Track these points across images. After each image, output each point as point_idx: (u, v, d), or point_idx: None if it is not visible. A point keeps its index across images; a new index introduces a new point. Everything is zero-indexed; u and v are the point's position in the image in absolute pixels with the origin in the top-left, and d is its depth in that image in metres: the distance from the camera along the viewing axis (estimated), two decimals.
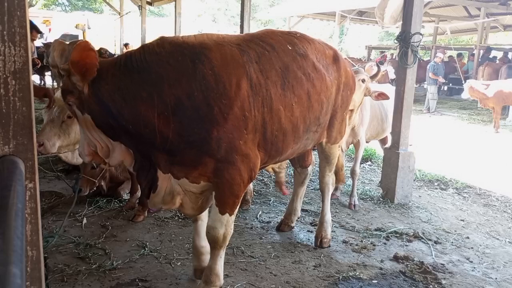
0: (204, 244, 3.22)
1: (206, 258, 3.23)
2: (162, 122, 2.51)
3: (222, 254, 2.91)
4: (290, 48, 2.94)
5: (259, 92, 2.66)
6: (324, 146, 3.65)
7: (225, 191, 2.69)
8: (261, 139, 2.75)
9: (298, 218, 4.37)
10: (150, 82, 2.51)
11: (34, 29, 6.26)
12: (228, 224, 2.78)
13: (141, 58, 2.55)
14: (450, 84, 18.90)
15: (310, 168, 4.18)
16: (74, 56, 2.37)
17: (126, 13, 17.32)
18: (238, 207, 2.83)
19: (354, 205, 5.00)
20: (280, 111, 2.77)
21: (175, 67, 2.52)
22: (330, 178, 3.97)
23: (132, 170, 2.87)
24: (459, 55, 19.80)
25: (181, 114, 2.50)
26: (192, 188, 2.78)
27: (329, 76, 3.19)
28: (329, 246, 3.92)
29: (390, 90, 5.49)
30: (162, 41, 2.64)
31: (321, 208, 4.07)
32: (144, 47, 2.65)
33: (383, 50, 22.31)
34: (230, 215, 2.77)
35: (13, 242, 0.82)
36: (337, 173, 4.49)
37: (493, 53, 18.34)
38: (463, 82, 13.16)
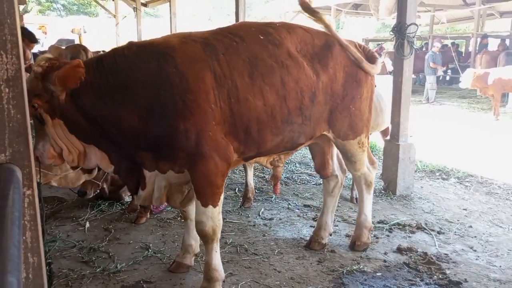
0: (193, 243, 3.37)
1: (189, 257, 3.38)
2: (142, 123, 2.62)
3: (216, 247, 2.93)
4: (261, 37, 2.93)
5: (224, 83, 2.71)
6: (335, 142, 3.46)
7: (202, 182, 2.74)
8: (232, 129, 2.78)
9: (331, 234, 3.91)
10: (124, 85, 2.62)
11: (28, 38, 6.15)
12: (214, 216, 2.81)
13: (112, 61, 2.66)
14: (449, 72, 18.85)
15: (341, 177, 3.86)
16: (62, 72, 2.45)
17: (123, 18, 17.28)
18: (221, 198, 2.85)
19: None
20: (248, 101, 2.78)
21: (142, 68, 2.63)
22: (362, 178, 3.69)
23: (112, 173, 2.94)
24: (453, 44, 19.73)
25: (153, 113, 2.61)
26: (178, 179, 2.88)
27: (314, 64, 3.07)
28: (364, 250, 3.71)
29: (389, 81, 5.48)
30: (130, 44, 2.78)
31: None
32: (115, 51, 2.77)
33: (380, 42, 22.22)
34: (214, 206, 2.79)
35: (9, 251, 0.82)
36: None
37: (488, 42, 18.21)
38: (459, 71, 13.13)
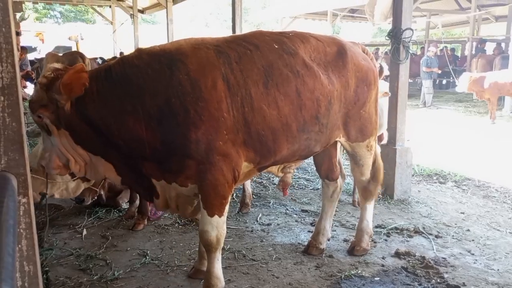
0: None
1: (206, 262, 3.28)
2: (150, 134, 2.58)
3: (218, 256, 2.91)
4: (276, 47, 2.91)
5: (237, 92, 2.67)
6: (345, 144, 3.48)
7: (210, 192, 2.71)
8: (246, 138, 2.75)
9: (329, 239, 3.92)
10: (133, 95, 2.57)
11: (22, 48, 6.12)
12: (219, 226, 2.79)
13: (121, 71, 2.62)
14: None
15: (340, 182, 3.85)
16: (66, 79, 2.43)
17: (120, 25, 17.34)
18: (227, 208, 2.83)
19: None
20: (263, 110, 2.75)
21: (154, 77, 2.58)
22: (370, 184, 3.72)
23: (120, 184, 2.90)
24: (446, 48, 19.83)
25: (164, 122, 2.57)
26: (184, 191, 2.85)
27: (328, 73, 3.09)
28: (362, 255, 3.72)
29: (385, 86, 5.50)
30: (139, 52, 2.72)
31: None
32: (124, 60, 2.71)
33: (377, 47, 22.31)
34: (220, 216, 2.78)
35: (3, 259, 0.82)
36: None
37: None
38: (453, 75, 13.20)
